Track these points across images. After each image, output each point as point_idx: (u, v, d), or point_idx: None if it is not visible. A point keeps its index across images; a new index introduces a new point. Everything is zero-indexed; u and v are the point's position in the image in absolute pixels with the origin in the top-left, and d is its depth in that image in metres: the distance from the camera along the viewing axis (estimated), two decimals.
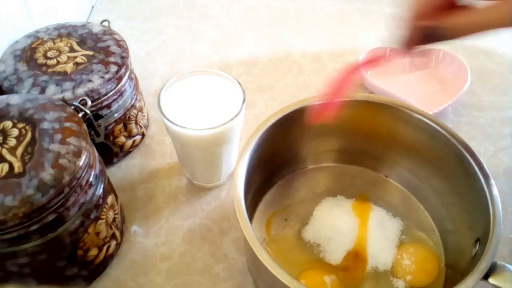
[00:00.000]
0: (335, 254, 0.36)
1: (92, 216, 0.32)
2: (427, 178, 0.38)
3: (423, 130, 0.35)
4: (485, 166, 0.32)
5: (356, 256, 0.36)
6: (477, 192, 0.31)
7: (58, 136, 0.30)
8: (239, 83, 0.37)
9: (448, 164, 0.35)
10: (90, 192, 0.32)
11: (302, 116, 0.36)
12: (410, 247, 0.36)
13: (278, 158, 0.39)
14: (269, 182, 0.40)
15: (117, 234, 0.37)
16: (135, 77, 0.44)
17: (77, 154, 0.30)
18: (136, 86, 0.43)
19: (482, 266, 0.27)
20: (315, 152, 0.41)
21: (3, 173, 0.28)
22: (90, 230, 0.33)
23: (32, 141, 0.30)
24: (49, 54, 0.39)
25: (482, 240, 0.30)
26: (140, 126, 0.45)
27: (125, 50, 0.41)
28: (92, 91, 0.37)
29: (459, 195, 0.35)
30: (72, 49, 0.40)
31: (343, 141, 0.40)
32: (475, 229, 0.31)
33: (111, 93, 0.38)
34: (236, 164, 0.32)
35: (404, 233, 0.38)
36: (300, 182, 0.41)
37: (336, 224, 0.38)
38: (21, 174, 0.28)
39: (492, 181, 0.31)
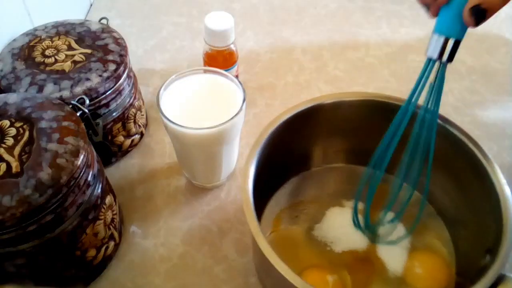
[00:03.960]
0: (343, 256, 0.36)
1: (90, 217, 0.32)
2: (441, 182, 0.37)
3: (439, 134, 0.34)
4: (499, 172, 0.31)
5: (364, 260, 0.36)
6: (490, 199, 0.31)
7: (56, 136, 0.30)
8: (239, 82, 0.37)
9: (461, 168, 0.34)
10: (88, 192, 0.31)
11: (311, 115, 0.36)
12: (421, 255, 0.36)
13: (288, 157, 0.38)
14: (278, 181, 0.40)
15: (116, 234, 0.37)
16: (134, 75, 0.43)
17: (75, 153, 0.29)
18: (134, 85, 0.43)
19: (489, 276, 0.27)
20: (325, 151, 0.41)
21: (1, 173, 0.28)
22: (88, 230, 0.32)
23: (30, 141, 0.30)
24: (47, 52, 0.39)
25: (493, 250, 0.29)
26: (139, 125, 0.45)
27: (124, 48, 0.40)
28: (90, 89, 0.36)
29: (472, 201, 0.34)
30: (70, 47, 0.39)
31: (353, 141, 0.40)
32: (487, 238, 0.31)
33: (109, 91, 0.38)
34: (246, 162, 0.32)
35: (415, 239, 0.37)
36: (310, 181, 0.41)
37: (347, 225, 0.37)
38: (19, 174, 0.28)
39: (507, 189, 0.30)
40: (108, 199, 0.35)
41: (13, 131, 0.30)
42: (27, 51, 0.39)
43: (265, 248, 0.27)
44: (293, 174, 0.41)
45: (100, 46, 0.40)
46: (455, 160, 0.35)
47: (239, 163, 0.43)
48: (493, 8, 0.25)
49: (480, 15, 0.25)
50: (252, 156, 0.32)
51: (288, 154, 0.38)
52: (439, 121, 0.34)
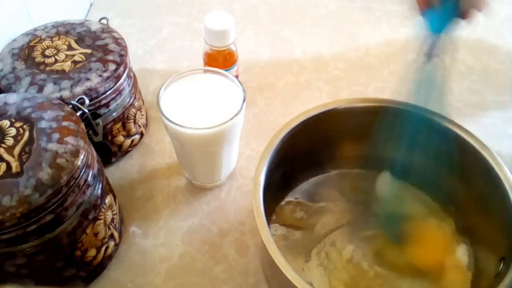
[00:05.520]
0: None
1: (90, 217, 0.32)
2: (456, 189, 0.37)
3: (452, 141, 0.34)
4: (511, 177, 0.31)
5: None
6: (503, 206, 0.31)
7: (56, 136, 0.30)
8: (239, 82, 0.37)
9: (476, 174, 0.34)
10: (88, 192, 0.31)
11: (323, 120, 0.36)
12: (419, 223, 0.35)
13: (300, 162, 0.38)
14: (288, 186, 0.40)
15: (116, 234, 0.37)
16: (134, 75, 0.43)
17: (75, 153, 0.29)
18: (134, 85, 0.43)
19: (503, 286, 0.26)
20: (339, 157, 0.40)
21: (1, 173, 0.28)
22: (88, 230, 0.32)
23: (30, 141, 0.30)
24: (47, 52, 0.39)
25: (506, 258, 0.29)
26: (139, 125, 0.45)
27: (124, 48, 0.40)
28: (90, 89, 0.36)
29: (484, 208, 0.34)
30: (70, 47, 0.39)
31: (367, 146, 0.39)
32: (501, 247, 0.31)
33: (109, 91, 0.38)
34: (256, 170, 0.32)
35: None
36: (322, 186, 0.40)
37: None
38: (19, 174, 0.28)
39: None
40: (108, 199, 0.35)
41: (13, 131, 0.30)
42: (27, 51, 0.39)
43: (278, 259, 0.27)
44: (305, 178, 0.40)
45: (100, 46, 0.40)
46: (464, 162, 0.34)
47: (239, 163, 0.43)
48: None
49: None
50: (261, 164, 0.32)
51: (299, 159, 0.37)
52: (447, 125, 0.34)
